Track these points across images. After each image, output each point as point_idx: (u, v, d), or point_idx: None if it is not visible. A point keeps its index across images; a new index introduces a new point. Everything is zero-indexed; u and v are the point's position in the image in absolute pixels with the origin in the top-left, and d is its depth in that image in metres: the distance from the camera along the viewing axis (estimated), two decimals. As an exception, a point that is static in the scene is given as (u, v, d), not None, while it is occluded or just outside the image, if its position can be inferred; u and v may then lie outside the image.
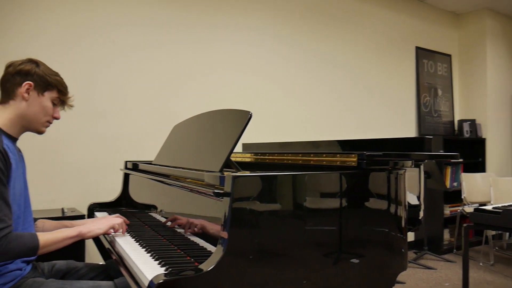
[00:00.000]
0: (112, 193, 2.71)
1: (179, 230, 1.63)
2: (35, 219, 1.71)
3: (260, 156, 2.16)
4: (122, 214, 2.03)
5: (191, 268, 1.16)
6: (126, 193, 2.47)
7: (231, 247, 1.18)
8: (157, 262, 1.35)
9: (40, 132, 1.60)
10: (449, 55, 5.48)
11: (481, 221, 2.76)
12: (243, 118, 1.57)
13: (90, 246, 2.60)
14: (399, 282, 3.56)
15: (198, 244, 1.44)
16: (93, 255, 2.72)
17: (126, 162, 2.55)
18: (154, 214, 1.95)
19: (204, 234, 1.42)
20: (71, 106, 1.66)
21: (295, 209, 1.37)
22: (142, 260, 1.38)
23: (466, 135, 5.23)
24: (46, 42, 2.82)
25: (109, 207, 2.42)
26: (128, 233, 1.78)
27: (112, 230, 1.70)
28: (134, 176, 2.37)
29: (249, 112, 1.57)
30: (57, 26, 2.87)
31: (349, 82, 4.46)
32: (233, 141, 1.52)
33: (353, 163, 1.52)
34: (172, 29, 3.34)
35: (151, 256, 1.42)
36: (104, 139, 3.02)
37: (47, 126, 1.61)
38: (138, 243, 1.61)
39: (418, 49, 5.12)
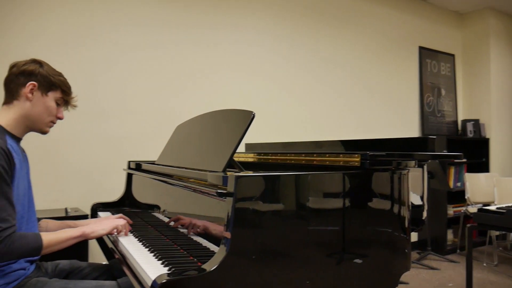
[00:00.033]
0: (115, 193, 2.71)
1: (182, 230, 1.63)
2: (39, 219, 1.72)
3: (263, 156, 2.16)
4: (125, 214, 2.04)
5: (194, 268, 1.16)
6: (129, 193, 2.47)
7: (234, 247, 1.18)
8: (160, 262, 1.35)
9: (44, 132, 1.60)
10: (453, 55, 5.47)
11: (485, 222, 2.75)
12: (246, 118, 1.57)
13: (94, 246, 2.60)
14: (402, 283, 3.55)
15: (201, 244, 1.44)
16: (96, 255, 2.73)
17: (129, 162, 2.55)
18: (157, 214, 1.95)
19: (207, 234, 1.42)
20: (75, 106, 1.66)
21: (298, 209, 1.37)
22: (145, 260, 1.38)
23: (470, 135, 5.21)
24: (47, 42, 2.83)
25: (112, 207, 2.43)
26: (131, 233, 1.78)
27: (115, 231, 1.71)
28: (137, 176, 2.37)
29: (252, 112, 1.57)
30: (59, 26, 2.88)
31: (351, 82, 4.46)
32: (236, 141, 1.52)
33: (356, 163, 1.52)
34: (175, 29, 3.35)
35: (154, 256, 1.42)
36: (107, 139, 3.03)
37: (51, 126, 1.61)
38: (141, 243, 1.61)
39: (421, 49, 5.11)
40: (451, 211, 4.81)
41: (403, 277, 3.56)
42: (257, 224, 1.26)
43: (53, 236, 1.46)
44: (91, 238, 1.61)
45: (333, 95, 4.31)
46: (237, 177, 1.23)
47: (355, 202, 1.48)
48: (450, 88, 5.42)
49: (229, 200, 1.23)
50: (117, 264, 1.81)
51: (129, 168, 2.52)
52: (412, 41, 5.04)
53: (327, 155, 1.65)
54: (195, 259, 1.37)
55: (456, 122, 5.44)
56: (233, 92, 3.63)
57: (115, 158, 3.02)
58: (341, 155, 1.60)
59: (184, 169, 1.75)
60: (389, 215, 1.57)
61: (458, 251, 4.73)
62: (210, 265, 1.15)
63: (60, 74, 1.60)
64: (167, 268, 1.29)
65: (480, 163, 5.27)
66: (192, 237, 1.53)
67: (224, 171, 1.45)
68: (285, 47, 3.98)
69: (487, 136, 5.30)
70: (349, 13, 4.46)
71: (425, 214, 1.86)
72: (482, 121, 5.31)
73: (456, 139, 5.08)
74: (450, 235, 4.85)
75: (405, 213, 1.61)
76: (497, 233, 4.67)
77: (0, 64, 2.60)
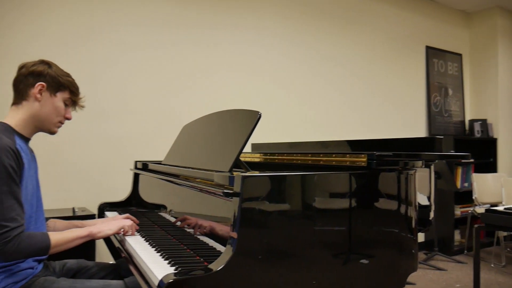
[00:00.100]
0: (122, 193, 2.73)
1: (188, 230, 1.63)
2: (46, 219, 1.73)
3: (269, 156, 2.16)
4: (132, 213, 2.05)
5: (200, 268, 1.16)
6: (136, 193, 2.48)
7: (240, 247, 1.19)
8: (167, 261, 1.35)
9: (52, 133, 1.61)
10: (460, 54, 5.43)
11: (493, 222, 2.74)
12: (253, 118, 1.57)
13: (101, 245, 2.62)
14: (409, 283, 3.54)
15: (207, 244, 1.45)
16: (103, 255, 2.75)
17: (136, 162, 2.56)
18: (163, 214, 1.96)
19: (213, 234, 1.43)
20: (82, 106, 1.67)
21: (305, 209, 1.37)
22: (152, 260, 1.39)
23: (477, 135, 5.18)
24: (49, 42, 2.83)
25: (119, 207, 2.44)
26: (138, 232, 1.79)
27: (122, 231, 1.72)
28: (144, 176, 2.38)
29: (258, 112, 1.57)
30: (59, 26, 2.89)
31: (357, 82, 4.44)
32: (242, 141, 1.52)
33: (363, 163, 1.51)
34: (176, 29, 3.35)
35: (161, 255, 1.43)
36: (114, 139, 3.04)
37: (59, 127, 1.62)
38: (148, 243, 1.62)
39: (428, 48, 5.08)
40: (458, 211, 4.78)
41: (410, 278, 3.55)
42: (263, 224, 1.26)
43: (61, 235, 1.47)
44: (98, 238, 1.62)
45: (338, 95, 4.30)
46: (244, 177, 1.23)
47: (362, 202, 1.48)
48: (458, 88, 5.39)
49: (236, 200, 1.23)
50: (124, 263, 1.82)
51: (136, 168, 2.53)
52: (419, 41, 5.01)
53: (334, 155, 1.65)
54: (202, 259, 1.37)
55: (463, 122, 5.40)
56: (235, 92, 3.63)
57: (122, 158, 3.04)
58: (347, 155, 1.60)
59: (190, 169, 1.75)
60: (396, 215, 1.57)
61: (465, 251, 4.71)
62: (217, 265, 1.15)
63: (68, 75, 1.61)
64: (173, 267, 1.29)
65: (487, 163, 5.24)
66: (198, 237, 1.53)
67: (230, 171, 1.45)
68: (288, 46, 3.97)
69: (495, 136, 5.27)
70: (355, 13, 4.45)
71: (432, 214, 1.85)
72: (490, 121, 5.28)
73: (463, 139, 5.05)
74: (457, 236, 4.82)
75: (412, 213, 1.61)
76: (505, 233, 4.63)
77: (2, 65, 2.65)
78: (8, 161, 1.36)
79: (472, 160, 4.93)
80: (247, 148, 3.05)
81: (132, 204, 2.48)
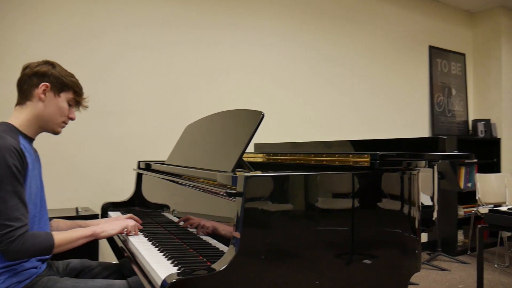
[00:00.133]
0: (125, 192, 2.73)
1: (191, 230, 1.64)
2: (50, 219, 1.74)
3: (272, 156, 2.16)
4: (135, 213, 2.05)
5: (203, 268, 1.16)
6: (139, 192, 2.49)
7: (243, 247, 1.19)
8: (170, 261, 1.36)
9: (56, 133, 1.62)
10: (463, 54, 5.42)
11: (496, 222, 2.73)
12: (255, 118, 1.58)
13: (104, 245, 2.62)
14: (412, 284, 3.53)
15: (210, 244, 1.45)
16: (106, 254, 2.75)
17: (139, 162, 2.57)
18: (166, 214, 1.96)
19: (216, 234, 1.43)
20: (86, 107, 1.68)
21: (307, 210, 1.37)
22: (155, 259, 1.39)
23: (481, 135, 5.16)
24: (53, 42, 2.85)
25: (122, 207, 2.45)
26: (141, 232, 1.79)
27: (125, 231, 1.72)
28: (147, 176, 2.38)
29: (261, 112, 1.57)
30: (63, 26, 2.90)
31: (360, 82, 4.44)
32: (245, 141, 1.52)
33: (366, 164, 1.51)
34: (181, 29, 3.36)
35: (164, 255, 1.43)
36: (117, 139, 3.05)
37: (63, 127, 1.63)
38: (151, 243, 1.62)
39: (431, 48, 5.07)
40: (461, 211, 4.77)
41: (413, 278, 3.54)
42: (266, 224, 1.26)
43: (65, 235, 1.47)
44: (102, 238, 1.62)
45: (340, 95, 4.29)
46: (247, 177, 1.23)
47: (365, 202, 1.47)
48: (461, 88, 5.37)
49: (239, 200, 1.23)
50: (127, 263, 1.82)
51: (139, 168, 2.54)
52: (422, 41, 5.00)
53: (337, 155, 1.65)
54: (205, 259, 1.37)
55: (466, 122, 5.39)
56: (238, 92, 3.63)
57: (125, 158, 3.05)
58: (350, 155, 1.60)
59: (193, 169, 1.75)
60: (399, 215, 1.56)
61: (468, 252, 4.69)
62: (220, 265, 1.15)
63: (72, 75, 1.62)
64: (176, 267, 1.29)
65: (491, 164, 5.22)
66: (201, 236, 1.53)
67: (233, 171, 1.45)
68: (289, 46, 3.97)
69: (498, 136, 5.25)
70: (360, 14, 4.45)
71: (435, 214, 1.85)
72: (493, 121, 5.26)
73: (466, 139, 5.04)
74: (460, 236, 4.81)
75: (415, 213, 1.60)
76: (509, 234, 4.62)
77: (2, 64, 2.66)
78: (12, 161, 1.37)
79: (475, 160, 4.92)
80: (250, 148, 3.05)
81: (135, 204, 2.48)
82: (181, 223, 1.75)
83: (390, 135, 4.57)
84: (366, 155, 1.52)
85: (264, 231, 1.25)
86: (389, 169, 1.54)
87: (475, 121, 5.24)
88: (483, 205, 4.50)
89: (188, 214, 1.71)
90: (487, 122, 5.20)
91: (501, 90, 5.22)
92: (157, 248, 1.53)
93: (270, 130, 3.62)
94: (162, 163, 2.35)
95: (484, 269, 2.81)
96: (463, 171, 4.78)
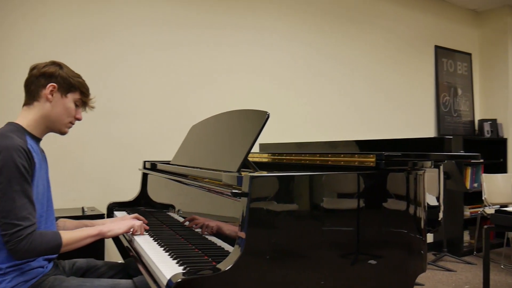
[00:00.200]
0: (131, 192, 2.74)
1: (196, 230, 1.64)
2: (56, 218, 1.75)
3: (277, 156, 2.16)
4: (141, 213, 2.06)
5: (209, 268, 1.16)
6: (145, 192, 2.49)
7: (248, 247, 1.19)
8: (175, 261, 1.36)
9: (63, 133, 1.63)
10: (469, 54, 5.39)
11: (503, 223, 2.71)
12: (261, 118, 1.58)
13: (110, 245, 2.64)
14: (418, 284, 3.52)
15: (215, 244, 1.45)
16: (112, 254, 2.76)
17: (144, 162, 2.58)
18: (172, 214, 1.97)
19: (221, 234, 1.43)
20: (92, 107, 1.69)
21: (313, 210, 1.37)
22: (161, 259, 1.40)
23: (487, 135, 5.13)
24: (57, 42, 2.86)
25: (128, 207, 2.46)
26: (146, 232, 1.80)
27: (131, 230, 1.73)
28: (153, 176, 2.39)
29: (267, 112, 1.57)
30: (68, 26, 2.92)
31: (365, 82, 4.43)
32: (250, 141, 1.53)
33: (371, 164, 1.51)
34: (186, 30, 3.36)
35: (169, 255, 1.44)
36: (123, 139, 3.06)
37: (69, 127, 1.64)
38: (156, 242, 1.63)
39: (437, 48, 5.05)
40: (467, 212, 4.75)
41: (419, 279, 3.52)
42: (271, 224, 1.26)
43: (72, 234, 1.48)
44: (108, 237, 1.63)
45: (346, 95, 4.28)
46: (252, 177, 1.23)
47: (370, 202, 1.47)
48: (467, 88, 5.35)
49: (244, 200, 1.23)
50: (133, 263, 1.83)
51: (145, 168, 2.55)
52: (428, 40, 4.98)
53: (342, 155, 1.65)
54: (210, 259, 1.38)
55: (473, 122, 5.36)
56: (242, 92, 3.63)
57: (131, 158, 3.06)
58: (356, 156, 1.59)
59: (198, 169, 1.76)
60: (405, 216, 1.56)
61: (474, 252, 4.67)
62: (225, 265, 1.15)
63: (78, 76, 1.63)
64: (182, 267, 1.30)
65: (497, 164, 5.19)
66: (206, 236, 1.54)
67: (238, 171, 1.45)
68: (294, 47, 3.97)
69: (505, 136, 5.22)
70: (365, 13, 4.43)
71: (441, 215, 1.84)
72: (500, 121, 5.23)
73: (473, 139, 5.01)
74: (466, 237, 4.79)
75: (421, 214, 1.60)
76: (515, 234, 4.59)
77: (5, 65, 2.68)
78: (20, 161, 1.38)
79: (481, 161, 4.89)
80: (255, 149, 3.05)
81: (140, 204, 2.49)
82: (187, 223, 1.75)
83: (395, 135, 4.56)
84: (371, 155, 1.52)
85: (269, 231, 1.26)
86: (395, 169, 1.54)
87: (481, 121, 5.21)
88: (489, 205, 4.48)
89: (193, 214, 1.72)
90: (494, 122, 5.18)
91: (508, 90, 5.19)
92: (162, 248, 1.53)
93: (274, 130, 3.61)
94: (167, 163, 2.36)
95: (490, 270, 2.79)
96: (469, 171, 4.76)
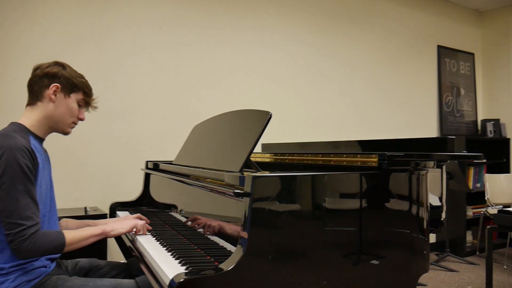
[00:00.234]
0: (133, 192, 2.75)
1: (199, 230, 1.64)
2: (59, 218, 1.75)
3: (279, 156, 2.16)
4: (143, 213, 2.06)
5: (211, 268, 1.16)
6: (147, 192, 2.50)
7: (251, 247, 1.19)
8: (178, 261, 1.36)
9: (66, 133, 1.64)
10: (472, 54, 5.38)
11: (506, 223, 2.71)
12: (263, 118, 1.58)
13: (112, 245, 2.64)
14: (420, 284, 3.51)
15: (218, 244, 1.45)
16: (115, 254, 2.77)
17: (147, 162, 2.58)
18: (174, 214, 1.97)
19: (223, 234, 1.43)
20: (95, 107, 1.69)
21: (315, 210, 1.36)
22: (163, 259, 1.40)
23: (490, 135, 5.12)
24: (63, 43, 2.87)
25: (130, 207, 2.46)
26: (149, 232, 1.80)
27: (134, 230, 1.73)
28: (155, 176, 2.39)
29: (269, 112, 1.57)
30: (74, 26, 2.92)
31: (369, 82, 4.42)
32: (253, 141, 1.53)
33: (374, 164, 1.51)
34: (190, 29, 3.37)
35: (171, 255, 1.44)
36: (125, 139, 3.07)
37: (72, 127, 1.65)
38: (158, 242, 1.63)
39: (440, 47, 5.04)
40: (470, 212, 4.73)
41: (421, 279, 3.52)
42: (274, 224, 1.27)
43: (76, 233, 1.49)
44: (111, 236, 1.64)
45: (347, 95, 4.28)
46: (254, 177, 1.23)
47: (373, 202, 1.47)
48: (470, 88, 5.33)
49: (246, 200, 1.23)
50: (135, 262, 1.83)
51: (147, 168, 2.55)
52: (431, 40, 4.97)
53: (344, 155, 1.65)
54: (212, 259, 1.38)
55: (475, 122, 5.35)
56: (250, 93, 3.63)
57: (133, 158, 3.06)
58: (358, 156, 1.59)
59: (201, 169, 1.76)
60: (407, 216, 1.56)
61: (477, 253, 4.66)
62: (227, 265, 1.15)
63: (81, 76, 1.63)
64: (184, 267, 1.30)
65: (500, 164, 5.18)
66: (209, 236, 1.54)
67: (241, 171, 1.45)
68: (297, 47, 3.97)
69: (508, 136, 5.20)
70: (367, 13, 4.43)
71: (443, 215, 1.84)
72: (503, 121, 5.21)
73: (475, 139, 5.00)
74: (469, 237, 4.77)
75: (424, 214, 1.60)
76: (518, 235, 4.58)
77: (8, 65, 2.68)
78: (23, 160, 1.38)
79: (484, 161, 4.87)
80: (258, 149, 3.05)
81: (143, 204, 2.50)
82: (189, 223, 1.75)
83: (398, 136, 4.55)
84: (374, 155, 1.51)
85: (271, 231, 1.26)
86: (397, 169, 1.54)
87: (484, 121, 5.20)
88: (492, 205, 4.46)
89: (195, 214, 1.72)
90: (496, 122, 5.16)
91: (511, 90, 5.18)
92: (165, 248, 1.54)
93: (275, 130, 3.61)
94: (170, 163, 2.36)
95: (493, 270, 2.78)
96: (472, 171, 4.74)
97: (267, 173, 1.31)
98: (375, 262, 1.45)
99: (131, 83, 3.11)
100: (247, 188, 1.24)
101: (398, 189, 1.53)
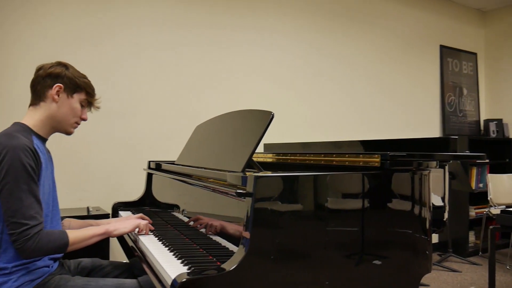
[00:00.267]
0: (135, 192, 2.75)
1: (201, 230, 1.64)
2: (62, 218, 1.76)
3: (282, 156, 2.16)
4: (146, 213, 2.07)
5: (213, 268, 1.17)
6: (150, 192, 2.50)
7: (253, 247, 1.19)
8: (180, 261, 1.36)
9: (68, 133, 1.64)
10: (475, 53, 5.37)
11: (508, 223, 2.70)
12: (265, 118, 1.58)
13: (115, 244, 2.64)
14: (423, 285, 3.51)
15: (220, 244, 1.45)
16: (117, 254, 2.77)
17: (149, 162, 2.58)
18: (176, 214, 1.97)
19: (226, 234, 1.43)
20: (98, 107, 1.69)
21: (317, 210, 1.36)
22: (165, 259, 1.40)
23: (493, 135, 5.11)
24: (64, 43, 2.87)
25: (132, 207, 2.46)
26: (151, 232, 1.80)
27: (136, 230, 1.74)
28: (157, 176, 2.40)
29: (271, 112, 1.57)
30: (78, 27, 2.93)
31: (370, 82, 4.42)
32: (255, 141, 1.53)
33: (376, 164, 1.51)
34: (193, 30, 3.37)
35: (174, 255, 1.44)
36: (128, 140, 3.07)
37: (75, 127, 1.65)
38: (161, 242, 1.63)
39: (442, 47, 5.03)
40: (473, 212, 4.72)
41: (424, 279, 3.51)
42: (276, 224, 1.26)
43: (79, 233, 1.49)
44: (114, 236, 1.64)
45: (353, 95, 4.28)
46: (256, 177, 1.23)
47: (375, 202, 1.47)
48: (472, 87, 5.32)
49: (248, 200, 1.23)
50: (138, 262, 1.83)
51: (149, 168, 2.55)
52: (433, 40, 4.96)
53: (347, 155, 1.65)
54: (214, 259, 1.38)
55: (478, 122, 5.34)
56: (253, 93, 3.64)
57: (135, 158, 3.07)
58: (361, 156, 1.59)
59: (203, 169, 1.76)
60: (410, 216, 1.55)
61: (480, 253, 4.64)
62: (230, 265, 1.15)
63: (84, 76, 1.63)
64: (186, 267, 1.30)
65: (503, 164, 5.16)
66: (211, 236, 1.54)
67: (243, 171, 1.45)
68: (297, 47, 3.96)
69: (511, 136, 5.19)
70: (370, 13, 4.42)
71: (446, 215, 1.83)
72: (506, 121, 5.20)
73: (478, 139, 4.99)
74: (472, 237, 4.76)
75: (426, 214, 1.59)
76: (521, 235, 4.56)
77: (10, 65, 2.69)
78: (27, 160, 1.39)
79: (487, 161, 4.86)
80: (260, 149, 3.05)
81: (145, 204, 2.50)
82: (191, 223, 1.76)
83: (400, 136, 4.54)
84: (376, 155, 1.51)
85: (274, 231, 1.26)
86: (400, 169, 1.53)
87: (487, 121, 5.19)
88: (495, 206, 4.45)
89: (198, 214, 1.72)
90: (499, 122, 5.15)
91: (514, 90, 5.17)
92: (167, 248, 1.54)
93: (276, 131, 3.62)
94: (172, 163, 2.36)
95: (496, 271, 2.78)
96: (474, 171, 4.73)
97: (269, 173, 1.31)
98: (377, 262, 1.45)
99: (132, 83, 3.11)
100: (250, 188, 1.24)
101: (400, 189, 1.53)
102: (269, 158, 2.29)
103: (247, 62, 3.65)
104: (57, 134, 1.64)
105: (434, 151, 1.77)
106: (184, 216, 1.86)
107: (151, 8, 3.20)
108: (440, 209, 1.80)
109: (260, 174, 1.28)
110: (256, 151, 1.60)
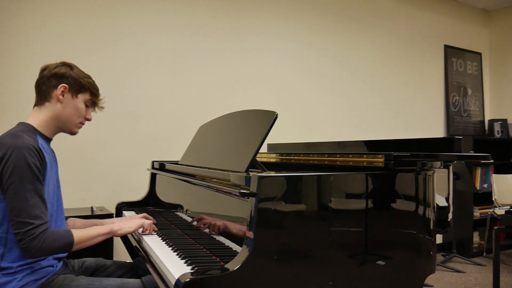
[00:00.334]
0: (139, 192, 2.76)
1: (205, 230, 1.64)
2: (66, 218, 1.76)
3: (285, 156, 2.16)
4: (149, 213, 2.07)
5: (217, 268, 1.17)
6: (153, 192, 2.50)
7: (256, 247, 1.19)
8: (184, 261, 1.36)
9: (73, 133, 1.65)
10: (479, 53, 5.34)
11: (513, 224, 2.69)
12: (269, 118, 1.58)
13: (118, 244, 2.65)
14: (427, 285, 3.50)
15: (223, 244, 1.45)
16: (121, 253, 2.78)
17: (153, 162, 2.59)
18: (180, 214, 1.98)
19: (229, 234, 1.43)
20: (102, 107, 1.70)
21: (321, 210, 1.36)
22: (169, 259, 1.40)
23: (497, 135, 5.08)
24: (74, 45, 2.89)
25: (136, 206, 2.47)
26: (155, 232, 1.81)
27: (140, 229, 1.74)
28: (161, 176, 2.40)
29: (275, 112, 1.57)
30: (90, 28, 2.94)
31: (375, 82, 4.41)
32: (258, 141, 1.52)
33: (380, 164, 1.50)
34: (201, 34, 3.38)
35: (177, 254, 1.44)
36: (132, 140, 3.08)
37: (79, 127, 1.66)
38: (164, 242, 1.63)
39: (447, 47, 5.01)
40: (477, 213, 4.70)
41: (428, 280, 3.50)
42: (279, 224, 1.26)
43: (84, 232, 1.50)
44: (118, 235, 1.64)
45: (357, 95, 4.27)
46: (260, 177, 1.23)
47: (379, 203, 1.46)
48: (477, 87, 5.30)
49: (252, 200, 1.23)
50: (141, 262, 1.84)
51: (153, 168, 2.56)
52: (438, 40, 4.95)
53: (351, 155, 1.64)
54: (218, 259, 1.38)
55: (483, 122, 5.31)
56: (256, 93, 3.64)
57: (139, 158, 3.07)
58: (364, 156, 1.58)
59: (207, 169, 1.76)
60: (414, 216, 1.55)
61: (484, 254, 4.63)
62: (233, 265, 1.15)
63: (89, 77, 1.64)
64: (190, 267, 1.30)
65: (507, 164, 5.13)
66: (214, 236, 1.54)
67: (247, 171, 1.45)
68: (306, 49, 3.96)
69: (516, 136, 5.17)
70: (374, 12, 4.41)
71: (450, 215, 1.83)
72: (510, 121, 5.18)
73: (483, 139, 4.96)
74: (476, 238, 4.74)
75: (430, 214, 1.59)
76: (526, 236, 4.55)
77: (15, 66, 2.70)
78: (32, 160, 1.39)
79: (491, 161, 4.84)
80: (263, 149, 3.05)
81: (149, 204, 2.50)
82: (195, 223, 1.76)
83: (404, 136, 4.53)
84: (380, 156, 1.51)
85: (277, 231, 1.25)
86: (404, 170, 1.53)
87: (492, 121, 5.16)
88: (499, 206, 4.43)
89: (201, 214, 1.72)
90: (504, 122, 5.12)
91: (518, 90, 5.15)
92: (170, 248, 1.54)
93: (276, 131, 3.61)
94: (175, 163, 2.36)
95: (500, 271, 2.77)
96: (479, 171, 4.71)
97: (273, 173, 1.30)
98: (381, 262, 1.44)
99: (137, 84, 3.12)
100: (253, 188, 1.24)
101: (404, 189, 1.53)
102: (272, 158, 2.29)
103: (249, 64, 3.65)
104: (61, 134, 1.64)
105: (438, 151, 1.77)
106: (188, 216, 1.86)
107: (157, 13, 3.21)
108: (444, 209, 1.80)
109: (264, 174, 1.28)
110: (260, 151, 1.60)
